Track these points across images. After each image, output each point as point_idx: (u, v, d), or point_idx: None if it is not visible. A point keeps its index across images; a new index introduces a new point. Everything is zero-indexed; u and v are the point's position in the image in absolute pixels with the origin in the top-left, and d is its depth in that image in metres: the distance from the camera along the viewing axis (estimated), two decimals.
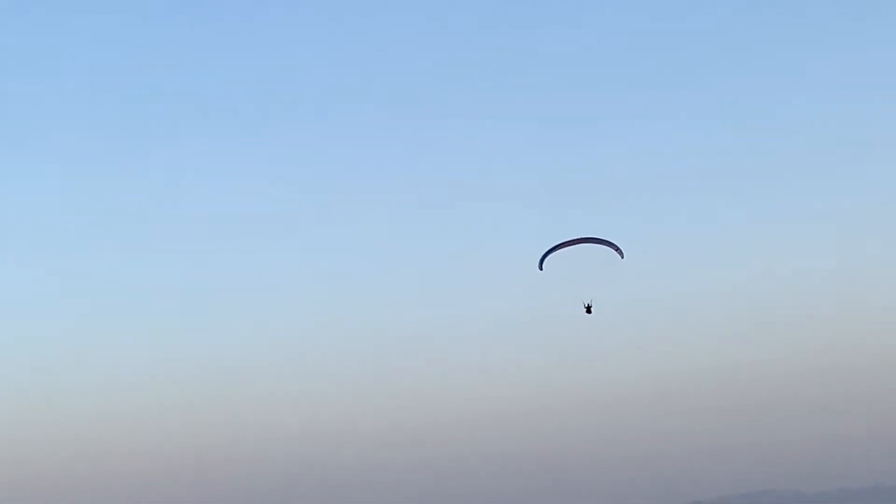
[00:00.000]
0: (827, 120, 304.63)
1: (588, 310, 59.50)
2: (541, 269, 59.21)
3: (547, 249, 58.90)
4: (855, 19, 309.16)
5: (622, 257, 58.68)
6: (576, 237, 59.00)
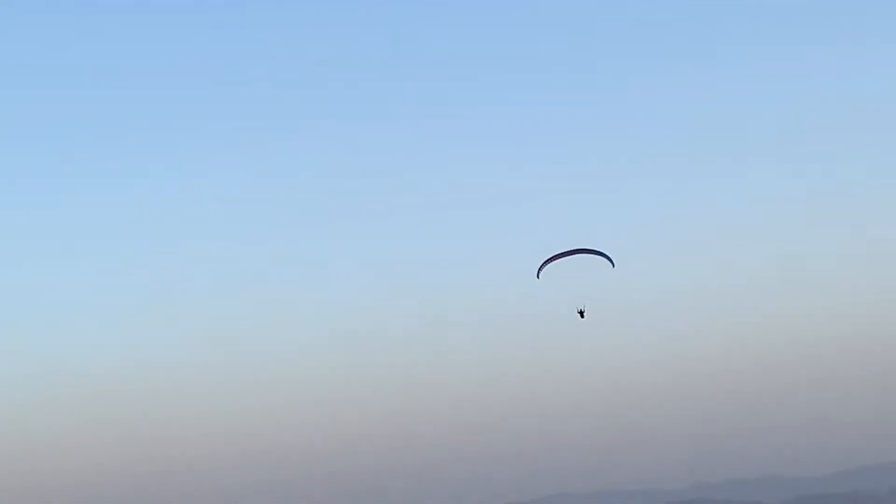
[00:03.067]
0: None
1: (581, 314, 64.84)
2: (538, 277, 64.50)
3: (544, 260, 64.18)
4: None
5: (613, 266, 64.01)
6: (570, 249, 64.36)
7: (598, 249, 64.23)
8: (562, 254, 64.21)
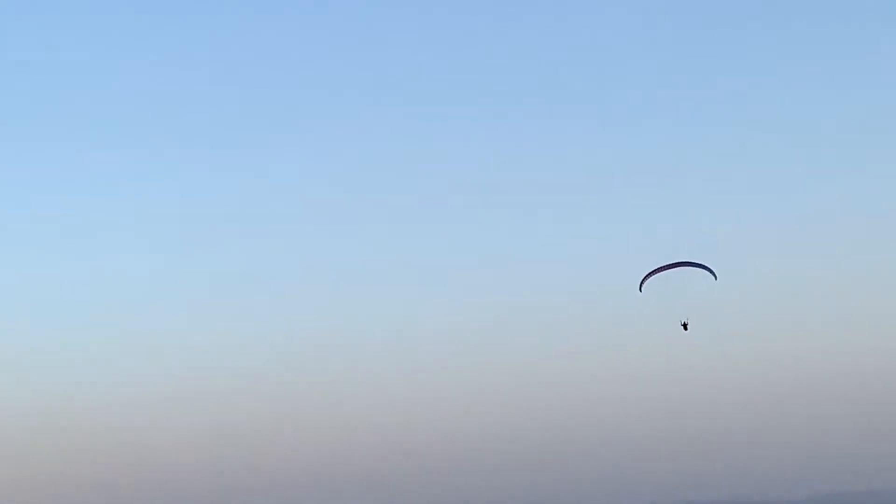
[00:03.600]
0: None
1: (685, 327, 65.26)
2: (640, 290, 65.06)
3: (646, 273, 64.81)
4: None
5: (716, 279, 64.30)
6: (672, 262, 64.90)
7: (699, 262, 64.66)
8: (663, 267, 64.77)
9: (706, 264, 64.41)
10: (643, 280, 64.74)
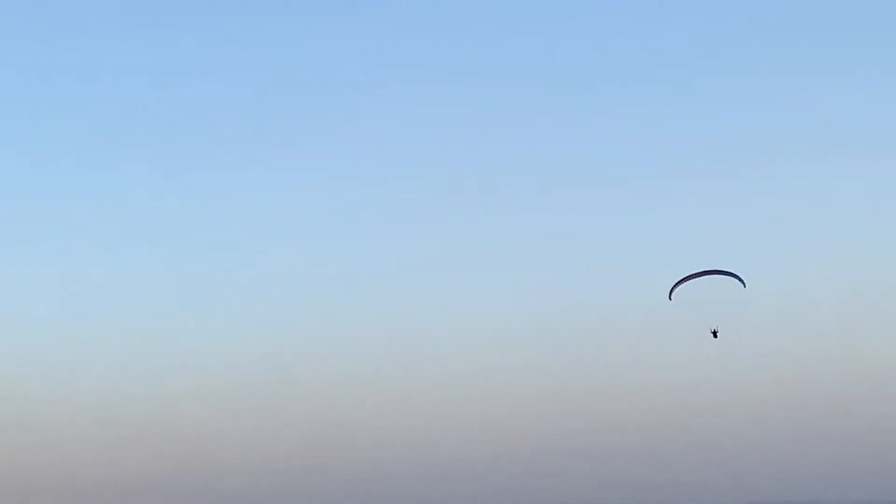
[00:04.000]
0: None
1: (715, 335, 65.88)
2: (670, 299, 65.89)
3: (675, 281, 65.63)
4: None
5: (744, 286, 64.92)
6: (700, 270, 65.62)
7: (728, 270, 65.28)
8: (692, 275, 65.47)
9: (734, 272, 65.02)
10: (672, 288, 65.53)
